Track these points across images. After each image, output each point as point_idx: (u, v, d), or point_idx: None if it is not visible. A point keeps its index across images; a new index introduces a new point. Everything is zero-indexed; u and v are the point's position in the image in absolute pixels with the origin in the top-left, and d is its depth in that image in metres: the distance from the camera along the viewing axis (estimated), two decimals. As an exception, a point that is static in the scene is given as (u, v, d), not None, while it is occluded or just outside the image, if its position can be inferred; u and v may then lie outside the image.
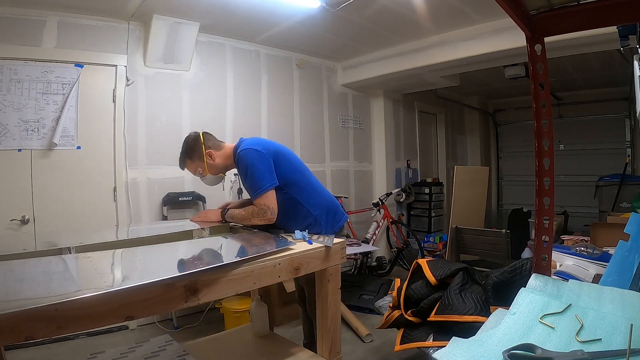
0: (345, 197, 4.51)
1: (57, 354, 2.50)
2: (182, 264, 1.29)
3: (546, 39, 1.01)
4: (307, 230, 1.68)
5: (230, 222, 1.87)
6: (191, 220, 1.98)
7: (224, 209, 1.90)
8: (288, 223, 1.82)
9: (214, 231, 1.81)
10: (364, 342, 2.72)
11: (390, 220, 4.58)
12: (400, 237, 4.76)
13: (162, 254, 1.40)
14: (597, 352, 0.71)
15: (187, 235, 1.73)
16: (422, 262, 2.12)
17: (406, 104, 5.36)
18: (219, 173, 1.93)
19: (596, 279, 1.78)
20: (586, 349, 0.73)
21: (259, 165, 1.72)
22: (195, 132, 1.91)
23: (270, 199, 1.72)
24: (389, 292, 2.49)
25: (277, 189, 1.75)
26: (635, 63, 1.76)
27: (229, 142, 1.97)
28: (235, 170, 1.95)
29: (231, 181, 3.43)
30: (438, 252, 4.50)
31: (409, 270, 2.23)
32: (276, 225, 1.80)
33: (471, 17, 3.21)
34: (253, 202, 1.75)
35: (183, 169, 1.96)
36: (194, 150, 1.87)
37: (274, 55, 3.96)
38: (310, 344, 2.12)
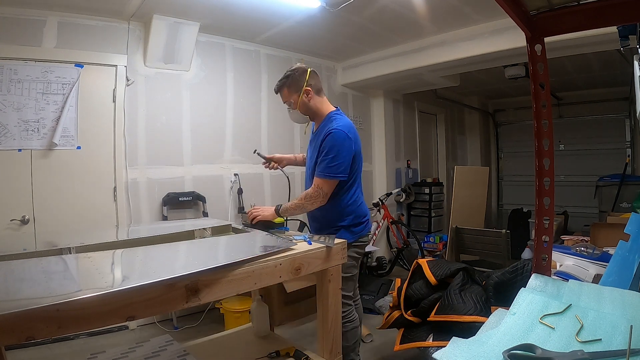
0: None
1: (57, 354, 2.51)
2: (183, 264, 1.29)
3: (546, 39, 1.01)
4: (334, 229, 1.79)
5: (286, 215, 1.86)
6: (246, 213, 1.93)
7: (279, 205, 1.86)
8: (320, 215, 1.89)
9: (216, 231, 1.81)
10: (364, 342, 2.72)
11: (390, 220, 4.58)
12: (400, 237, 4.76)
13: (162, 254, 1.40)
14: (597, 352, 0.71)
15: (188, 235, 1.73)
16: (422, 262, 2.12)
17: (406, 104, 5.36)
18: (307, 114, 1.95)
19: (596, 279, 1.77)
20: (586, 349, 0.72)
21: (343, 154, 1.77)
22: (305, 66, 1.91)
23: (330, 187, 1.79)
24: (389, 292, 2.49)
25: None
26: (635, 63, 1.76)
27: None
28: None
29: (231, 181, 3.43)
30: (438, 252, 4.50)
31: (409, 270, 2.23)
32: (309, 213, 1.88)
33: (471, 17, 3.21)
34: (315, 178, 1.81)
35: (277, 93, 1.96)
36: (296, 82, 1.88)
37: (274, 55, 3.97)
38: None
